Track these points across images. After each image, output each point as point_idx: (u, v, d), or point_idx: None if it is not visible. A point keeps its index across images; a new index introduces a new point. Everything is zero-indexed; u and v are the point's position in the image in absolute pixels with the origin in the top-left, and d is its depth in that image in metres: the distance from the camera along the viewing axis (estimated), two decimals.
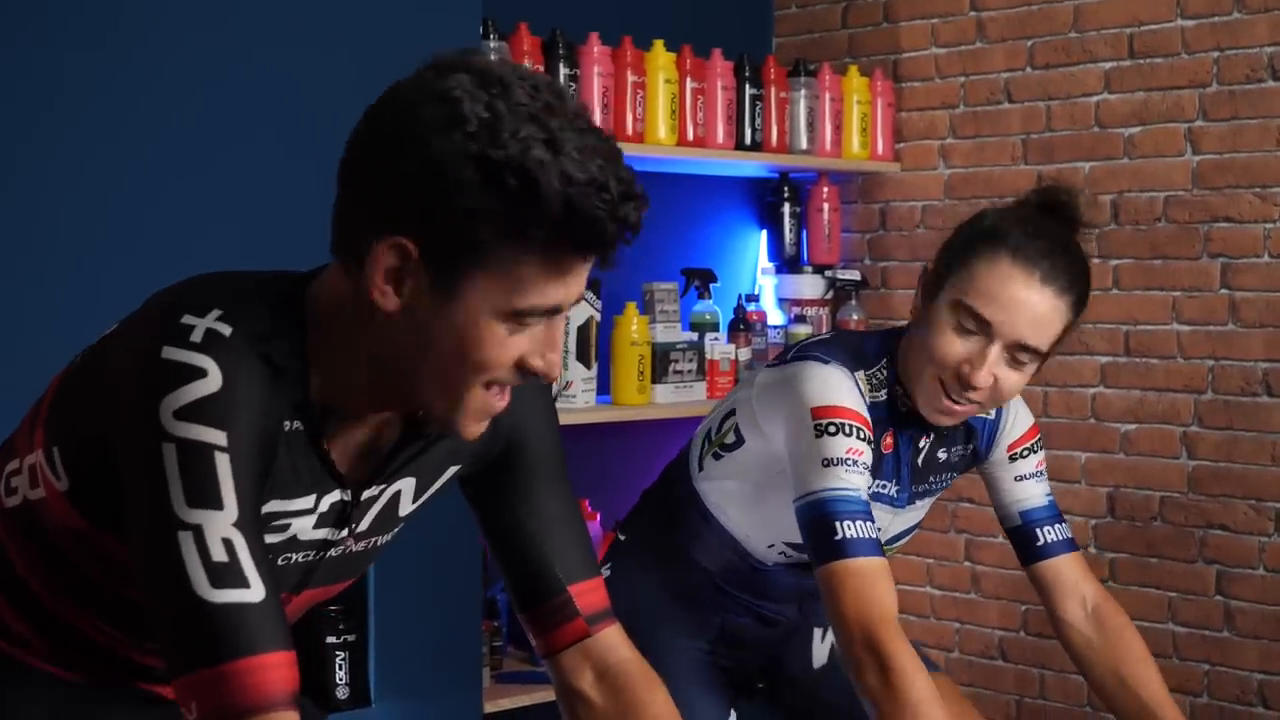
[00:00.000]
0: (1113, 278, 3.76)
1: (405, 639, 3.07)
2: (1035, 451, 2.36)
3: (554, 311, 1.42)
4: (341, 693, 3.02)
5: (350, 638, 3.03)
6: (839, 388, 2.12)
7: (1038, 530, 2.33)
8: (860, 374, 2.16)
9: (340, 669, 3.02)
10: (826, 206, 4.19)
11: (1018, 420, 2.34)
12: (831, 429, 2.08)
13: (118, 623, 1.55)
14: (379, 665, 3.05)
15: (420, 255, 1.38)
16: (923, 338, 2.14)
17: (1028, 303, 2.07)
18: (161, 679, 1.62)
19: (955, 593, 4.06)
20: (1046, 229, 2.12)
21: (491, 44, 3.33)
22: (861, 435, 2.09)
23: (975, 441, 2.33)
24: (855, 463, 2.07)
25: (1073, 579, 2.33)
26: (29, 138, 2.64)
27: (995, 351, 2.09)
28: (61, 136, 2.67)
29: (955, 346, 2.10)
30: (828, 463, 2.07)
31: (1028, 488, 2.34)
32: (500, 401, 1.47)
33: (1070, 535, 2.36)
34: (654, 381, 3.71)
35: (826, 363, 2.15)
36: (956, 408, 2.14)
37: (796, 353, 2.21)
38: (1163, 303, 3.69)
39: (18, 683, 1.59)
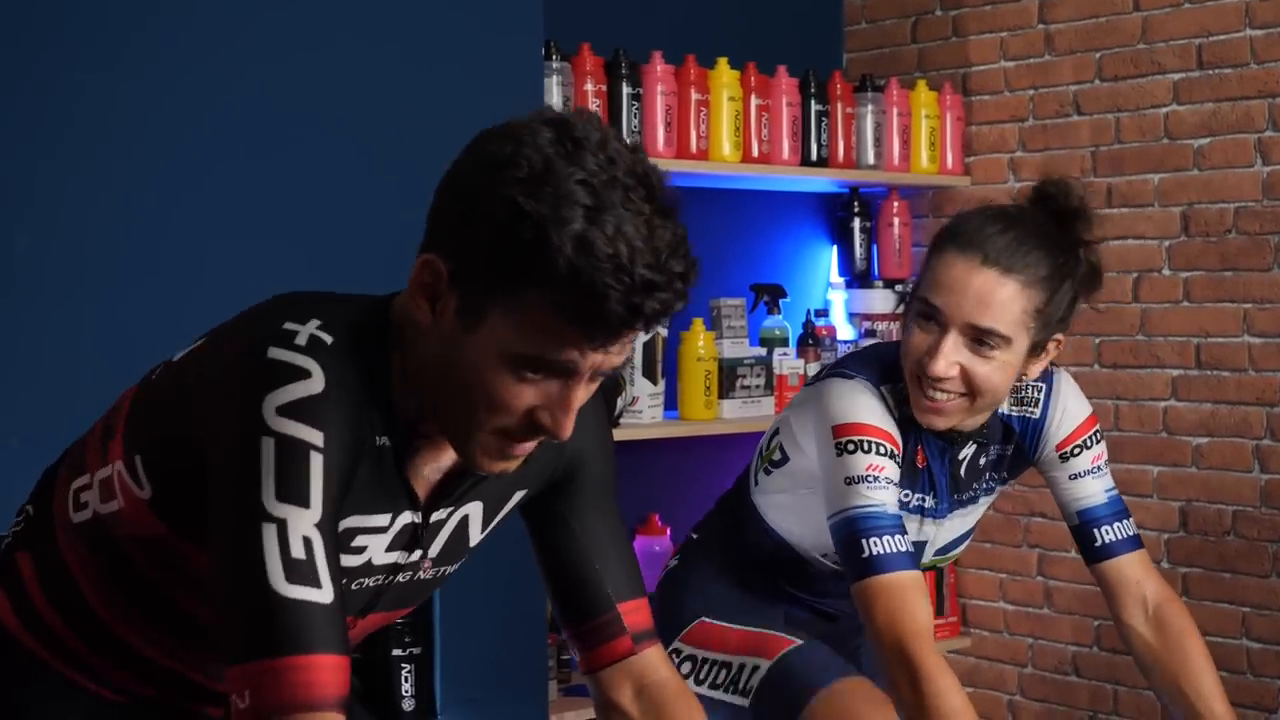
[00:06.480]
0: (1183, 290, 3.73)
1: (471, 651, 3.10)
2: (1090, 447, 2.28)
3: (565, 371, 1.41)
4: (407, 704, 3.05)
5: (416, 650, 3.06)
6: (859, 404, 2.13)
7: (1095, 530, 2.28)
8: (887, 388, 2.16)
9: (406, 681, 3.05)
10: (897, 221, 4.18)
11: (1066, 417, 2.27)
12: (850, 446, 2.10)
13: (176, 633, 1.58)
14: (445, 677, 3.08)
15: (449, 278, 1.42)
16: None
17: (969, 283, 2.06)
18: (209, 699, 1.66)
19: (1028, 608, 4.04)
20: (1012, 217, 2.10)
21: (554, 64, 3.36)
22: (883, 450, 2.10)
23: (1018, 441, 2.29)
24: (877, 479, 2.08)
25: (1134, 579, 2.27)
26: (54, 152, 2.64)
27: (951, 339, 2.07)
28: (88, 149, 2.67)
29: (916, 339, 2.11)
30: (849, 481, 2.09)
31: (1084, 485, 2.28)
32: (519, 449, 1.48)
33: (1133, 533, 2.29)
34: (721, 396, 3.73)
35: (851, 378, 2.16)
36: (932, 404, 2.11)
37: (829, 370, 2.23)
38: (1234, 315, 3.65)
39: (67, 698, 1.62)
